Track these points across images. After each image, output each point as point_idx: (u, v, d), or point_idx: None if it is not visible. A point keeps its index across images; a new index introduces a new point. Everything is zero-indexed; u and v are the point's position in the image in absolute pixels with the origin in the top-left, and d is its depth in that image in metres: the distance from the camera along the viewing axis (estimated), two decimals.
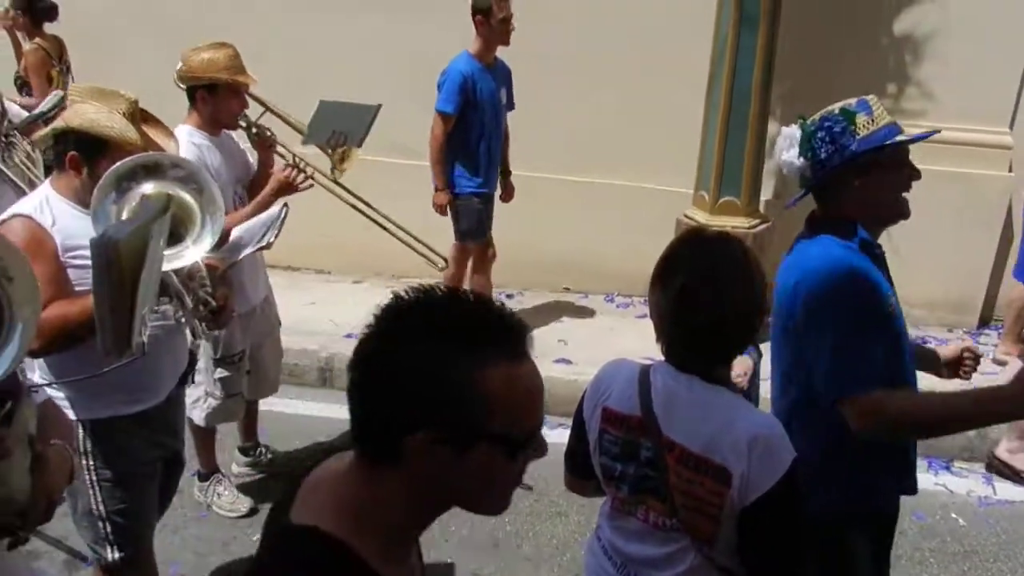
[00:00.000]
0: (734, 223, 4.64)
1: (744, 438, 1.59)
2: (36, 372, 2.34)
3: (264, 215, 2.84)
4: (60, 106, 3.83)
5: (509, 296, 5.52)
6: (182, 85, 3.23)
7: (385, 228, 4.16)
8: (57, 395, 2.26)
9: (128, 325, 1.69)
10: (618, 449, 1.78)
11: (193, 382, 2.91)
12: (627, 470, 1.76)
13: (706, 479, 1.63)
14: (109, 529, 2.40)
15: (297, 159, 3.32)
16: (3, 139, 3.77)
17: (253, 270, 3.36)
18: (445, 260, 4.56)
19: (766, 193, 5.01)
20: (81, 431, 2.31)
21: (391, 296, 1.09)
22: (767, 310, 1.75)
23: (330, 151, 3.47)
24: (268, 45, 4.69)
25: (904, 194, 2.01)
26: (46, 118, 3.93)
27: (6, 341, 1.27)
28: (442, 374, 1.02)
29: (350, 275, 5.78)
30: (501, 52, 4.58)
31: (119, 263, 1.60)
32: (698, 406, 1.66)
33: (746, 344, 1.76)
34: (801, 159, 1.98)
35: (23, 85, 5.38)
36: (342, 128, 3.29)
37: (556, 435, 4.42)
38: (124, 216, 1.98)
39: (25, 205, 2.25)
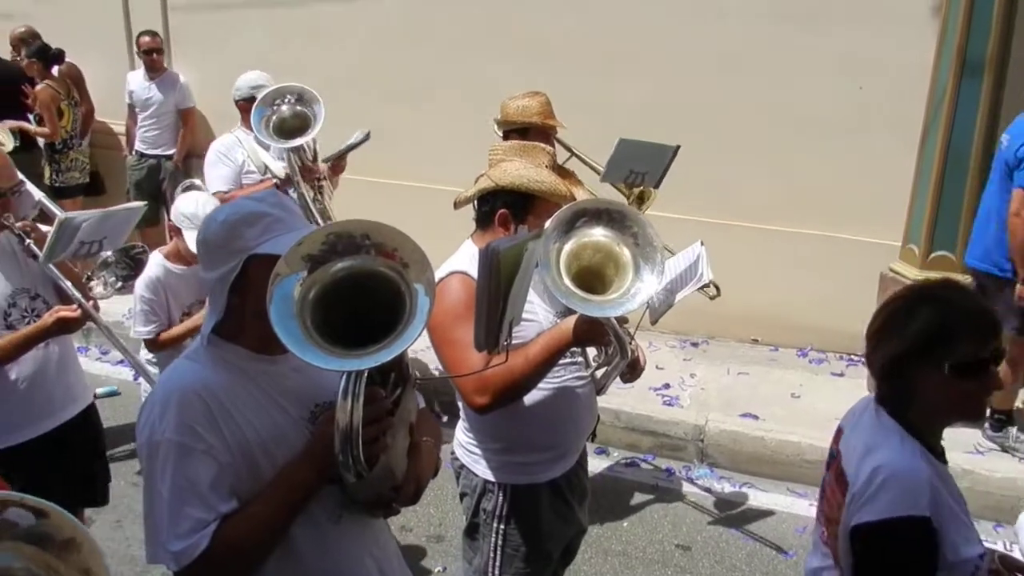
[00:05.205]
0: None
1: (872, 463, 1.64)
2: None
3: (686, 255, 2.73)
4: (364, 140, 4.18)
5: (694, 344, 5.41)
6: (498, 131, 3.61)
7: None
8: (476, 455, 2.34)
9: (498, 326, 1.79)
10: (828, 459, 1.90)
11: (594, 439, 2.81)
12: (825, 478, 1.86)
13: (838, 490, 1.72)
14: None
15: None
16: (316, 182, 4.13)
17: None
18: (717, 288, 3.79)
19: None
20: (501, 494, 2.32)
21: None
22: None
23: (627, 191, 3.56)
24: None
25: None
26: (352, 150, 4.25)
27: (409, 319, 1.44)
28: None
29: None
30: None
31: (498, 270, 1.73)
32: (866, 428, 1.74)
33: None
34: None
35: (40, 119, 6.27)
36: (640, 168, 3.26)
37: (733, 493, 4.28)
38: (563, 264, 2.01)
39: (458, 262, 2.23)
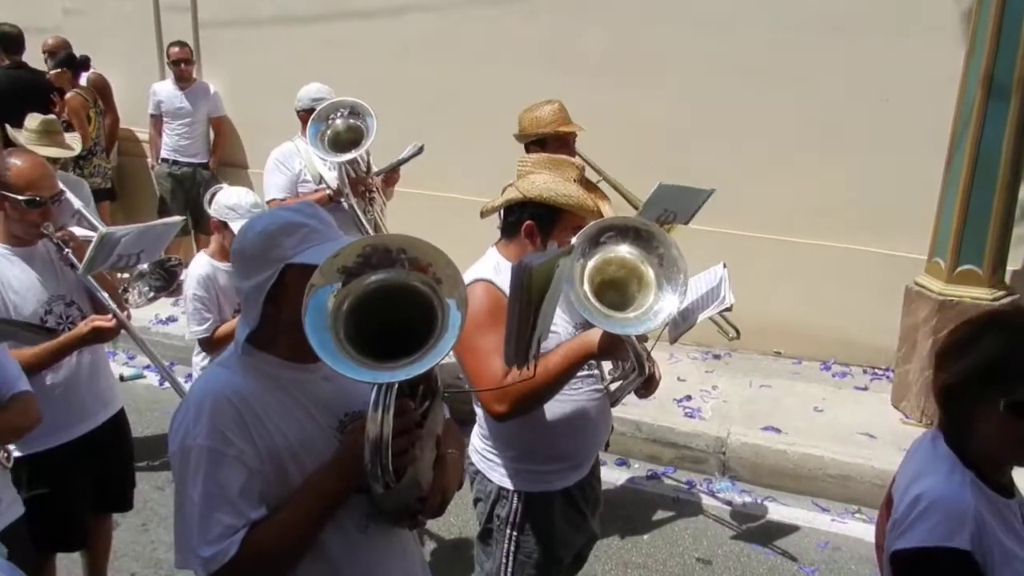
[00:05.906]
0: (973, 294, 4.31)
1: (916, 490, 1.57)
2: None
3: (707, 277, 2.73)
4: (417, 153, 4.21)
5: (716, 356, 5.40)
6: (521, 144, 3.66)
7: None
8: (493, 461, 2.38)
9: (528, 342, 1.80)
10: None
11: (607, 448, 2.80)
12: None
13: (885, 513, 1.66)
14: None
15: None
16: (368, 193, 4.17)
17: None
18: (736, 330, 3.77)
19: (1014, 263, 4.56)
20: (515, 501, 2.36)
21: None
22: None
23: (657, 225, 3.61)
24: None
25: None
26: (404, 163, 4.27)
27: (441, 333, 1.47)
28: None
29: None
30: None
31: (530, 286, 1.72)
32: (921, 454, 1.68)
33: None
34: None
35: (68, 126, 6.23)
36: (673, 208, 3.36)
37: (754, 506, 4.23)
38: (586, 278, 2.01)
39: (483, 270, 2.27)
